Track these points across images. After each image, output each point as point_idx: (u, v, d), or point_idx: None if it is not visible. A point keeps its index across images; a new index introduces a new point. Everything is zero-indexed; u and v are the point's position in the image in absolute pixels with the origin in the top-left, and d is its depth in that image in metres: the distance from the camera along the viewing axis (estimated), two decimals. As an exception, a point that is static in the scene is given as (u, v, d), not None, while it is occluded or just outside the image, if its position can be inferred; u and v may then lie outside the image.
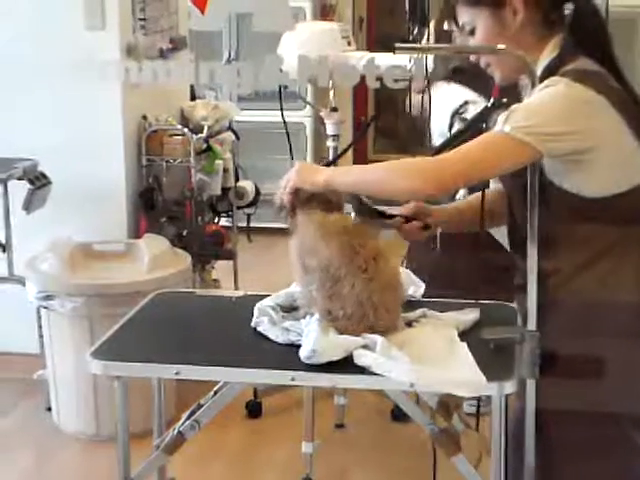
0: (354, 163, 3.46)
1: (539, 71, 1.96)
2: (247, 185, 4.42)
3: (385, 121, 7.48)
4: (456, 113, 3.43)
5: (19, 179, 3.60)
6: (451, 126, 3.45)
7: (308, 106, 5.84)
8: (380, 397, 3.66)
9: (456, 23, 2.09)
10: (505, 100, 2.13)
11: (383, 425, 3.75)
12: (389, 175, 1.93)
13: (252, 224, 4.57)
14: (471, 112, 3.40)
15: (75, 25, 3.74)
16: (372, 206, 2.19)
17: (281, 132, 5.70)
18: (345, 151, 2.63)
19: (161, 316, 2.29)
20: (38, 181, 3.60)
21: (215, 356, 2.02)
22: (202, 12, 1.93)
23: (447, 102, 3.38)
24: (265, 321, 2.13)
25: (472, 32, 2.04)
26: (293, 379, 1.94)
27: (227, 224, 4.46)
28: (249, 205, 4.44)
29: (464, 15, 2.05)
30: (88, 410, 3.55)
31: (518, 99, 2.11)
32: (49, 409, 3.72)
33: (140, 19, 3.91)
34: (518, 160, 1.84)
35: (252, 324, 2.15)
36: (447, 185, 1.89)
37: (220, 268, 4.47)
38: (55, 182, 3.68)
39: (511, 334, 1.97)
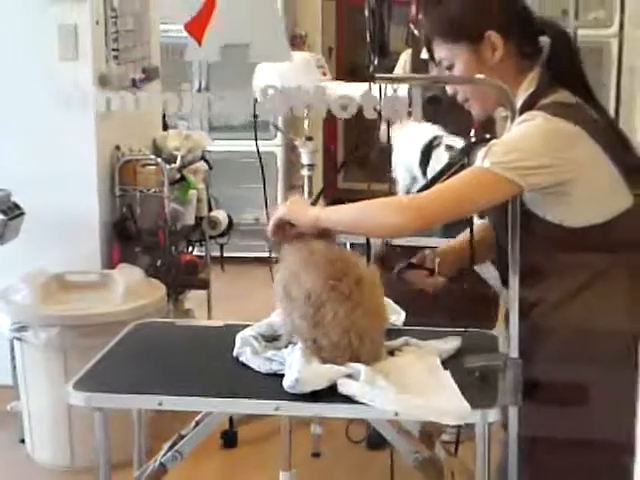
0: (324, 192, 3.47)
1: (518, 104, 1.98)
2: (220, 215, 4.42)
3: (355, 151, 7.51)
4: (428, 149, 3.47)
5: (-8, 210, 3.57)
6: (424, 162, 3.47)
7: (279, 135, 5.87)
8: (356, 426, 3.66)
9: (432, 58, 2.11)
10: (488, 136, 2.16)
11: (359, 453, 3.73)
12: (373, 213, 1.94)
13: (225, 253, 4.57)
14: (442, 147, 3.44)
15: (49, 55, 3.74)
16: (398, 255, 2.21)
17: (252, 161, 5.75)
18: (330, 184, 2.64)
19: (141, 347, 2.28)
20: (11, 212, 3.57)
21: (198, 386, 2.01)
22: (199, 43, 1.94)
23: (415, 139, 3.41)
24: (247, 351, 2.13)
25: (450, 67, 2.06)
26: (277, 409, 1.94)
27: (200, 254, 4.45)
28: (222, 235, 4.44)
29: (441, 50, 2.06)
30: (63, 441, 3.51)
31: (488, 135, 2.13)
32: (22, 441, 3.68)
33: (113, 49, 3.91)
34: (499, 195, 1.86)
35: (234, 354, 2.15)
36: (429, 222, 1.91)
37: (193, 298, 4.46)
38: (28, 212, 3.65)
39: (494, 361, 1.99)
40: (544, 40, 2.06)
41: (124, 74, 3.93)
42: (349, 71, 6.55)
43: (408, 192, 3.30)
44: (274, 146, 5.79)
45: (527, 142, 1.88)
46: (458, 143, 3.39)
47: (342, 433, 3.66)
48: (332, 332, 2.00)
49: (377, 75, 1.90)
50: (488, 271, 3.03)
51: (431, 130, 3.48)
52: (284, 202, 2.11)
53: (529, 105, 1.95)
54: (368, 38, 1.95)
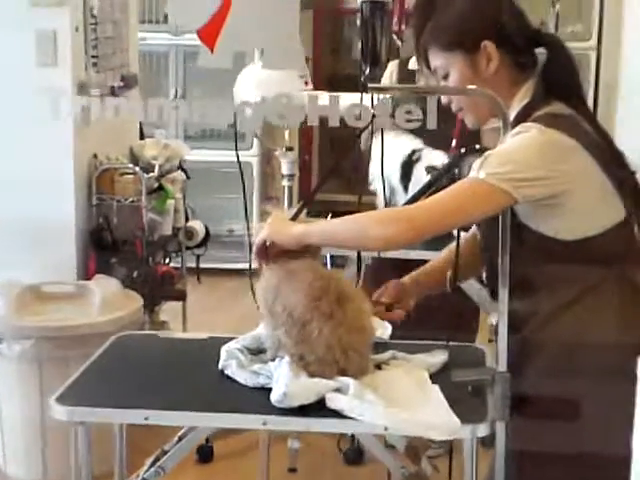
0: (299, 202, 3.46)
1: (512, 115, 1.97)
2: (197, 225, 4.38)
3: (329, 162, 7.50)
4: (408, 163, 3.45)
5: (-34, 218, 3.52)
6: (405, 177, 3.46)
7: (255, 146, 5.84)
8: (334, 441, 3.64)
9: (428, 66, 2.10)
10: (478, 147, 2.14)
11: (336, 469, 3.70)
12: (362, 226, 1.91)
13: (201, 264, 4.53)
14: (424, 160, 3.43)
15: (27, 61, 3.68)
16: None
17: (226, 171, 5.73)
18: (314, 193, 2.60)
19: (124, 359, 2.24)
20: (-14, 220, 3.52)
21: (184, 400, 1.98)
22: (211, 50, 1.91)
23: (394, 152, 3.39)
24: (233, 364, 2.09)
25: (445, 76, 2.04)
26: (265, 423, 1.90)
27: (175, 265, 4.41)
28: (199, 245, 4.40)
29: (437, 59, 2.05)
30: (35, 455, 3.45)
31: (478, 145, 2.12)
32: (-6, 454, 3.62)
33: (92, 56, 3.87)
34: (493, 206, 1.84)
35: (219, 367, 2.11)
36: (422, 233, 1.88)
37: (167, 309, 4.41)
38: (3, 221, 3.60)
39: (482, 376, 1.97)
40: (540, 52, 2.05)
41: (103, 81, 3.89)
42: (327, 81, 6.54)
43: (387, 204, 3.28)
44: (250, 156, 5.76)
45: (522, 154, 1.86)
46: (437, 158, 3.38)
47: (319, 448, 3.64)
48: (318, 348, 1.97)
49: (370, 85, 1.87)
50: (472, 287, 3.02)
51: (410, 143, 3.47)
52: (265, 221, 2.07)
53: (523, 116, 1.94)
54: (360, 48, 1.93)
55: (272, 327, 2.05)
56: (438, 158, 3.38)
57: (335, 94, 1.88)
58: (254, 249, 2.06)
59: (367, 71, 1.95)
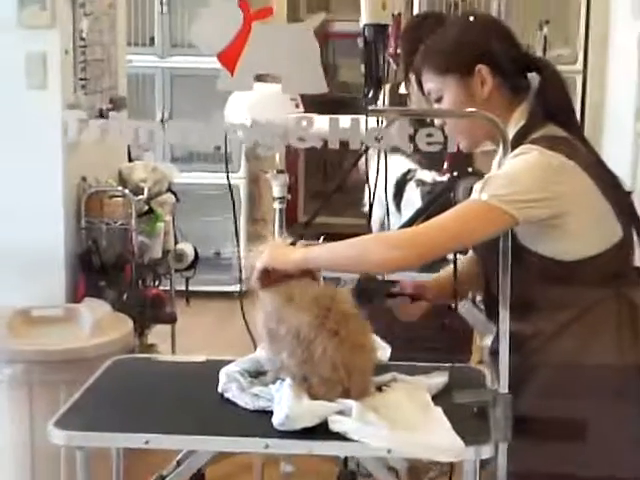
0: (286, 224, 3.45)
1: (509, 138, 1.97)
2: (186, 248, 4.36)
3: (315, 183, 7.52)
4: (401, 183, 3.45)
5: (-46, 242, 3.49)
6: (398, 196, 3.46)
7: (242, 168, 5.84)
8: (327, 463, 3.61)
9: (421, 89, 2.11)
10: (470, 170, 2.15)
11: (329, 492, 3.67)
12: (367, 249, 1.92)
13: (189, 287, 4.51)
14: (414, 182, 3.43)
15: (16, 83, 3.66)
16: (377, 286, 2.17)
17: (213, 194, 5.72)
18: (313, 217, 2.60)
19: (122, 383, 2.22)
20: (-26, 243, 3.49)
21: (184, 424, 1.96)
22: (231, 73, 1.90)
23: (389, 171, 3.40)
24: (233, 387, 2.09)
25: (439, 99, 2.06)
26: (267, 446, 1.89)
27: (164, 287, 4.38)
28: (188, 268, 4.38)
29: (430, 82, 2.07)
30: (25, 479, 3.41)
31: (471, 169, 2.13)
32: (-17, 479, 3.58)
33: (81, 79, 3.85)
34: (496, 228, 1.85)
35: (219, 390, 2.10)
36: (426, 255, 1.89)
37: (156, 332, 4.38)
38: (-8, 244, 3.57)
39: (483, 397, 1.96)
40: (532, 76, 2.07)
41: (92, 104, 3.87)
42: (312, 103, 6.54)
43: (383, 225, 3.28)
44: (237, 179, 5.75)
45: (524, 176, 1.88)
46: (429, 177, 3.39)
47: (312, 471, 3.61)
48: (322, 368, 1.96)
49: (370, 108, 1.88)
50: (467, 310, 3.02)
51: (405, 163, 3.48)
52: (257, 244, 2.06)
53: (520, 139, 1.96)
54: (363, 70, 1.94)
55: (274, 350, 2.04)
56: (429, 176, 3.39)
57: (335, 117, 1.88)
58: (254, 275, 2.04)
59: (370, 94, 1.95)
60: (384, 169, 2.87)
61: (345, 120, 2.19)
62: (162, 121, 5.72)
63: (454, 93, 2.03)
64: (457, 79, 2.02)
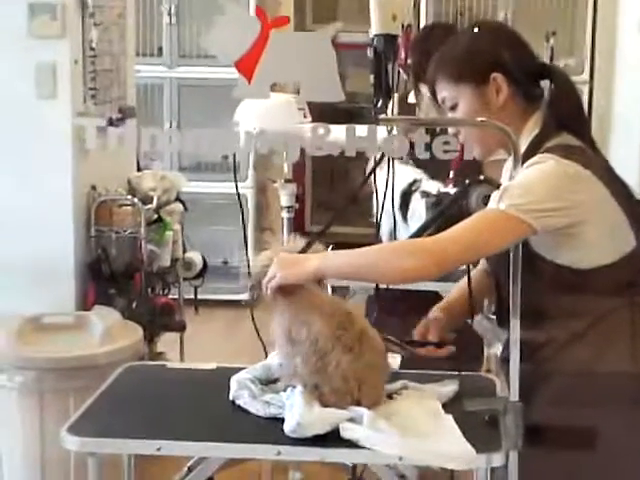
0: (294, 233, 3.46)
1: (523, 146, 1.99)
2: (195, 256, 4.38)
3: (322, 193, 7.53)
4: (408, 192, 3.46)
5: (-35, 250, 3.51)
6: (404, 206, 3.47)
7: (250, 177, 5.86)
8: (337, 472, 3.61)
9: (435, 98, 2.11)
10: (482, 177, 2.15)
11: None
12: (385, 258, 1.90)
13: (197, 296, 4.53)
14: (419, 193, 3.44)
15: (27, 93, 3.69)
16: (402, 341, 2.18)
17: (221, 203, 5.74)
18: (327, 227, 2.60)
19: (134, 390, 2.23)
20: (-15, 252, 3.51)
21: (196, 431, 1.97)
22: (249, 81, 1.91)
23: (395, 181, 3.41)
24: (245, 395, 2.09)
25: (453, 107, 2.06)
26: (279, 453, 1.90)
27: (173, 296, 4.40)
28: (196, 277, 4.40)
29: (445, 91, 2.07)
30: (35, 487, 3.43)
31: (482, 176, 2.13)
32: (-7, 487, 3.59)
33: (91, 88, 3.88)
34: (515, 237, 1.85)
35: (230, 397, 2.11)
36: (446, 266, 1.88)
37: (164, 340, 4.40)
38: (2, 253, 3.59)
39: (494, 405, 1.97)
40: (544, 84, 2.08)
41: (101, 113, 3.89)
42: (320, 113, 6.56)
43: (391, 236, 3.29)
44: (245, 188, 5.77)
45: (541, 185, 1.88)
46: (434, 187, 3.40)
47: (321, 479, 3.61)
48: (334, 379, 1.97)
49: (381, 117, 1.89)
50: (476, 320, 3.03)
51: (411, 173, 3.49)
52: (273, 261, 2.02)
53: (534, 147, 1.96)
54: (372, 80, 1.95)
55: (289, 356, 2.04)
56: (434, 187, 3.40)
57: (351, 125, 1.89)
58: (268, 291, 2.03)
59: (379, 103, 1.97)
60: (392, 179, 2.87)
61: (360, 129, 2.20)
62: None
63: (469, 101, 2.04)
64: (472, 87, 2.03)
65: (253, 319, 2.91)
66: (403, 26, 2.69)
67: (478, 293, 2.20)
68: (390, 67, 1.92)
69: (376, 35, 2.19)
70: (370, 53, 2.25)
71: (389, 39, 2.05)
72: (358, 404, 1.98)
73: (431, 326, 2.20)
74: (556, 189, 1.88)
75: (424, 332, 2.20)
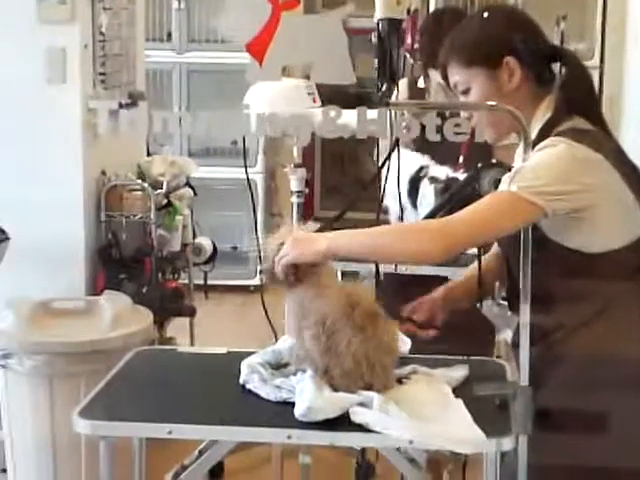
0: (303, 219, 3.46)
1: (535, 130, 1.99)
2: (204, 241, 4.39)
3: (331, 178, 7.53)
4: (416, 179, 3.46)
5: (-24, 235, 3.51)
6: (413, 193, 3.46)
7: (259, 162, 5.86)
8: (346, 457, 3.62)
9: (447, 82, 2.11)
10: (495, 161, 2.15)
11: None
12: (396, 238, 1.92)
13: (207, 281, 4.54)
14: (432, 175, 3.44)
15: (36, 78, 3.69)
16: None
17: (230, 188, 5.75)
18: (344, 212, 2.60)
19: (145, 374, 2.24)
20: (-4, 237, 3.51)
21: (206, 414, 1.98)
22: (260, 63, 1.91)
23: (403, 168, 3.40)
24: (255, 379, 2.10)
25: (465, 91, 2.06)
26: (290, 437, 1.91)
27: (183, 281, 4.41)
28: (206, 262, 4.40)
29: (457, 75, 2.07)
30: (46, 471, 3.43)
31: (494, 160, 2.13)
32: (4, 470, 3.60)
33: (100, 73, 3.88)
34: (525, 219, 1.85)
35: (241, 381, 2.11)
36: (457, 247, 1.89)
37: (173, 325, 4.41)
38: (13, 238, 3.59)
39: (504, 390, 1.97)
40: (556, 67, 2.07)
41: (111, 98, 3.89)
42: (328, 98, 6.55)
43: (399, 219, 3.29)
44: (254, 173, 5.76)
45: (552, 168, 1.88)
46: (442, 173, 3.39)
47: (330, 463, 3.63)
48: (344, 360, 1.98)
49: (391, 101, 1.89)
50: (486, 306, 3.03)
51: (418, 159, 3.48)
52: (283, 234, 2.05)
53: (546, 131, 1.96)
54: (376, 64, 1.94)
55: (300, 337, 2.05)
56: (442, 172, 3.39)
57: (362, 108, 1.88)
58: (280, 271, 2.03)
59: (383, 88, 1.96)
60: (397, 163, 2.87)
61: (370, 113, 2.20)
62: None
63: (481, 85, 2.04)
64: (484, 71, 2.03)
65: (263, 304, 2.92)
66: (409, 11, 2.68)
67: (489, 277, 2.19)
68: (395, 51, 1.91)
69: (380, 19, 2.18)
70: (374, 38, 2.24)
71: (393, 23, 2.04)
72: (369, 387, 1.98)
73: (422, 306, 2.22)
74: (566, 172, 1.88)
75: (413, 310, 2.21)
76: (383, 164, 2.51)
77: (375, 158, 3.24)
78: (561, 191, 1.86)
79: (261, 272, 2.13)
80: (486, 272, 2.15)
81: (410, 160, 3.46)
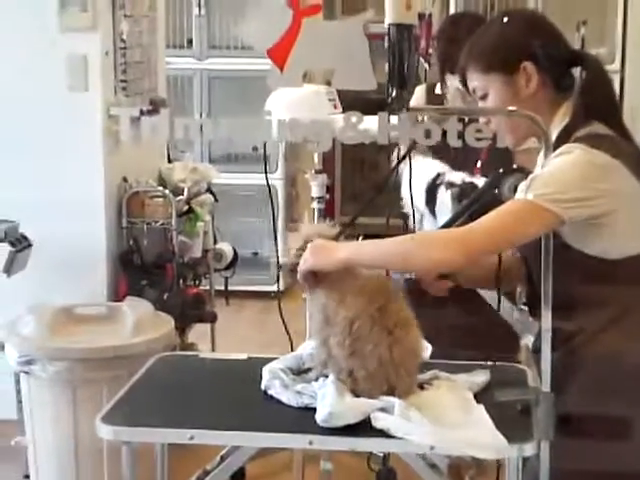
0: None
1: (553, 135, 1.98)
2: (225, 247, 4.40)
3: (352, 184, 7.53)
4: (433, 187, 3.45)
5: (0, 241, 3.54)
6: (431, 201, 3.46)
7: (280, 169, 5.87)
8: (364, 460, 3.62)
9: (465, 87, 2.11)
10: (515, 166, 2.15)
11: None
12: (415, 247, 1.92)
13: (228, 287, 4.55)
14: (448, 180, 3.43)
15: (58, 86, 3.72)
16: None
17: (250, 194, 5.76)
18: (356, 217, 2.61)
19: (167, 380, 2.25)
20: (19, 243, 3.53)
21: (228, 420, 1.99)
22: (281, 70, 1.91)
23: (420, 174, 3.40)
24: (277, 384, 2.11)
25: (484, 97, 2.06)
26: (311, 442, 1.91)
27: (204, 287, 4.42)
28: (227, 268, 4.41)
29: (475, 80, 2.07)
30: (69, 477, 3.44)
31: (515, 165, 2.12)
32: (27, 477, 3.62)
33: (122, 80, 3.90)
34: (542, 227, 1.85)
35: (262, 387, 2.12)
36: (475, 255, 1.90)
37: (194, 331, 4.42)
38: (36, 244, 3.62)
39: (526, 395, 1.97)
40: (576, 71, 2.06)
41: (132, 105, 3.91)
42: (348, 104, 6.56)
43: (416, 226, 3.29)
44: (275, 179, 5.78)
45: (567, 175, 1.88)
46: (458, 178, 3.39)
47: (351, 469, 3.62)
48: (369, 363, 1.98)
49: (410, 107, 1.89)
50: (506, 310, 3.03)
51: (435, 166, 3.48)
52: (307, 249, 2.05)
53: (565, 136, 1.95)
54: (387, 70, 1.95)
55: (324, 339, 2.05)
56: (458, 177, 3.39)
57: (383, 113, 1.88)
58: (300, 278, 2.04)
59: (394, 94, 1.96)
60: (409, 170, 2.86)
61: (392, 118, 2.19)
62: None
63: (498, 91, 2.04)
64: (502, 77, 2.03)
65: (281, 312, 2.92)
66: (422, 16, 2.67)
67: (508, 273, 2.18)
68: (406, 57, 1.91)
69: (390, 25, 2.18)
70: (386, 43, 2.24)
71: (403, 29, 2.04)
72: (392, 391, 1.98)
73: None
74: (582, 179, 1.88)
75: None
76: (395, 167, 2.51)
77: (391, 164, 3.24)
78: (577, 198, 1.86)
79: (278, 280, 2.13)
80: (506, 269, 2.14)
81: (427, 167, 3.46)
